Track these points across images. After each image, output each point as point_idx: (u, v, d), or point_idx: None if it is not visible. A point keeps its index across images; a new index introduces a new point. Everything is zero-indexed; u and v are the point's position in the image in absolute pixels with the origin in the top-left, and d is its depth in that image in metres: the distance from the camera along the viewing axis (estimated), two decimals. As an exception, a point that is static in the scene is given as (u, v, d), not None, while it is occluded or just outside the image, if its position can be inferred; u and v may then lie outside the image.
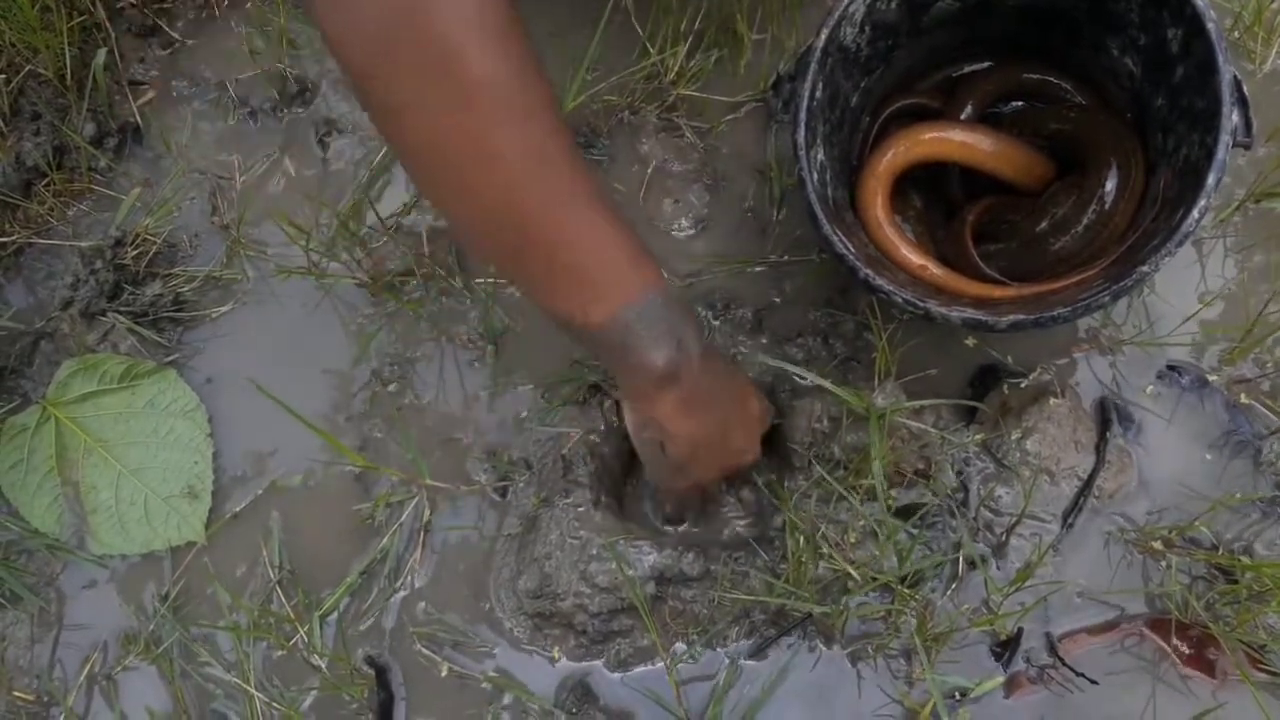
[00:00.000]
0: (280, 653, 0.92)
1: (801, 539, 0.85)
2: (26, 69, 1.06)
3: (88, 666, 0.93)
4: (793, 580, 0.86)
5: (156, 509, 0.96)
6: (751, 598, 0.87)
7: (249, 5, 1.12)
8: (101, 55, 1.06)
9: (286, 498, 0.97)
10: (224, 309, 1.03)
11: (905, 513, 0.89)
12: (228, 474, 0.98)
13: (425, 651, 0.91)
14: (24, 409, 0.98)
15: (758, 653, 0.89)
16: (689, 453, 0.78)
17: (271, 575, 0.94)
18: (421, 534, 0.94)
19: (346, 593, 0.93)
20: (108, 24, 1.10)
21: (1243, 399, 0.93)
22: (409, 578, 0.93)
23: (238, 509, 0.97)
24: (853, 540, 0.87)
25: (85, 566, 0.96)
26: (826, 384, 0.85)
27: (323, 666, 0.91)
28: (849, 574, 0.84)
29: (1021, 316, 0.78)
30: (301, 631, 0.92)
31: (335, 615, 0.93)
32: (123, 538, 0.95)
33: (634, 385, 0.75)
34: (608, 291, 0.69)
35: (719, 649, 0.89)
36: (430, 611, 0.92)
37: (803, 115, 0.81)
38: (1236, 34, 1.02)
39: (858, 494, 0.87)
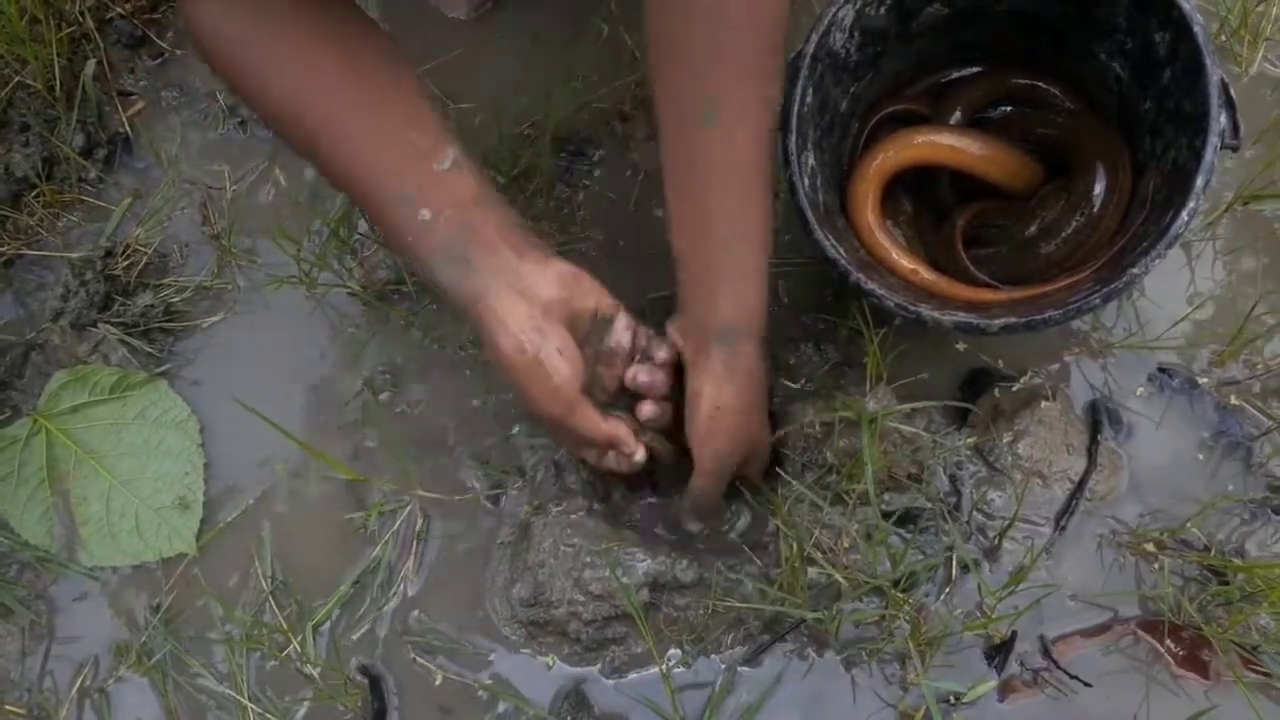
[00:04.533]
0: (273, 663, 0.92)
1: (795, 545, 0.85)
2: (15, 80, 1.06)
3: (79, 679, 0.93)
4: (786, 586, 0.86)
5: (148, 520, 0.95)
6: (744, 605, 0.87)
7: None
8: (90, 66, 1.06)
9: (278, 508, 0.96)
10: (215, 319, 1.03)
11: (899, 517, 0.89)
12: (219, 484, 0.97)
13: (419, 660, 0.91)
14: (14, 421, 0.98)
15: (752, 659, 0.89)
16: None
17: (264, 585, 0.93)
18: (414, 543, 0.94)
19: (339, 602, 0.93)
20: (96, 35, 1.10)
21: (1233, 401, 0.93)
22: (402, 586, 0.93)
23: (229, 519, 0.96)
24: (845, 545, 0.87)
25: (76, 579, 0.96)
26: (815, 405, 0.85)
27: (316, 676, 0.91)
28: (839, 579, 0.84)
29: (1013, 320, 0.78)
30: (294, 642, 0.91)
31: (328, 625, 0.93)
32: (114, 549, 0.95)
33: None
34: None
35: (714, 655, 0.89)
36: (424, 620, 0.92)
37: (793, 121, 0.81)
38: (1223, 38, 1.03)
39: (850, 499, 0.87)
